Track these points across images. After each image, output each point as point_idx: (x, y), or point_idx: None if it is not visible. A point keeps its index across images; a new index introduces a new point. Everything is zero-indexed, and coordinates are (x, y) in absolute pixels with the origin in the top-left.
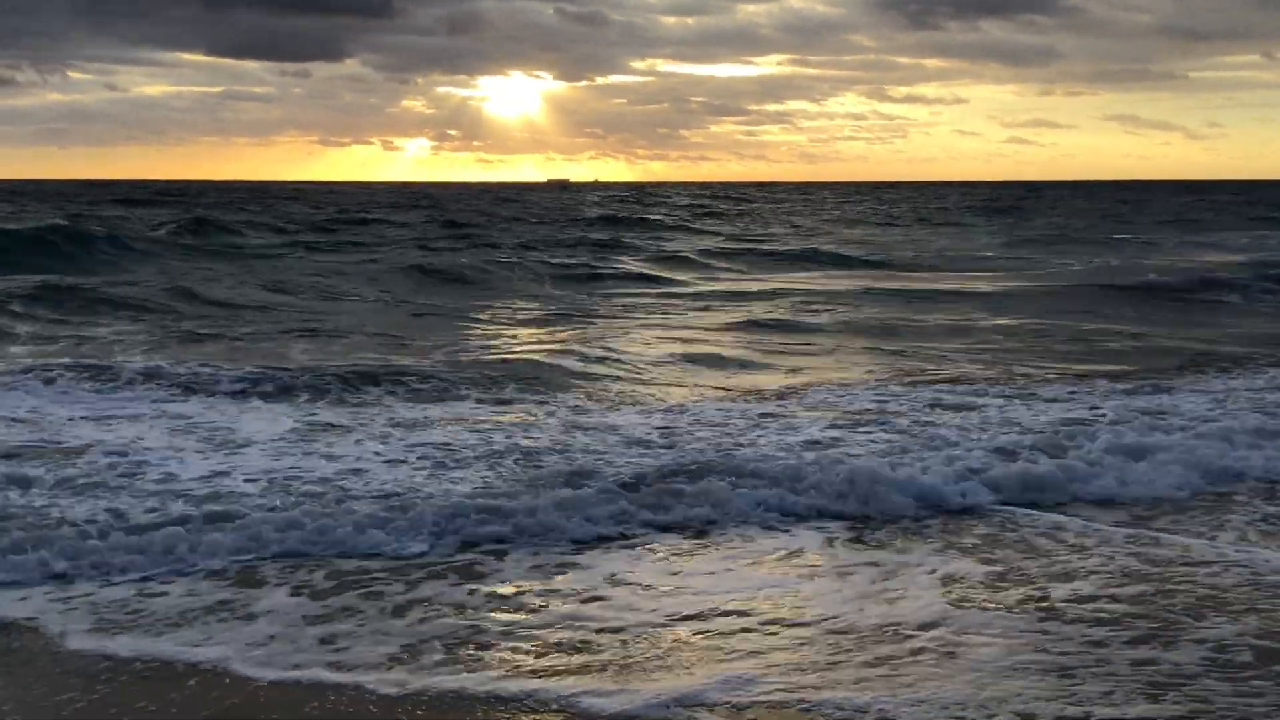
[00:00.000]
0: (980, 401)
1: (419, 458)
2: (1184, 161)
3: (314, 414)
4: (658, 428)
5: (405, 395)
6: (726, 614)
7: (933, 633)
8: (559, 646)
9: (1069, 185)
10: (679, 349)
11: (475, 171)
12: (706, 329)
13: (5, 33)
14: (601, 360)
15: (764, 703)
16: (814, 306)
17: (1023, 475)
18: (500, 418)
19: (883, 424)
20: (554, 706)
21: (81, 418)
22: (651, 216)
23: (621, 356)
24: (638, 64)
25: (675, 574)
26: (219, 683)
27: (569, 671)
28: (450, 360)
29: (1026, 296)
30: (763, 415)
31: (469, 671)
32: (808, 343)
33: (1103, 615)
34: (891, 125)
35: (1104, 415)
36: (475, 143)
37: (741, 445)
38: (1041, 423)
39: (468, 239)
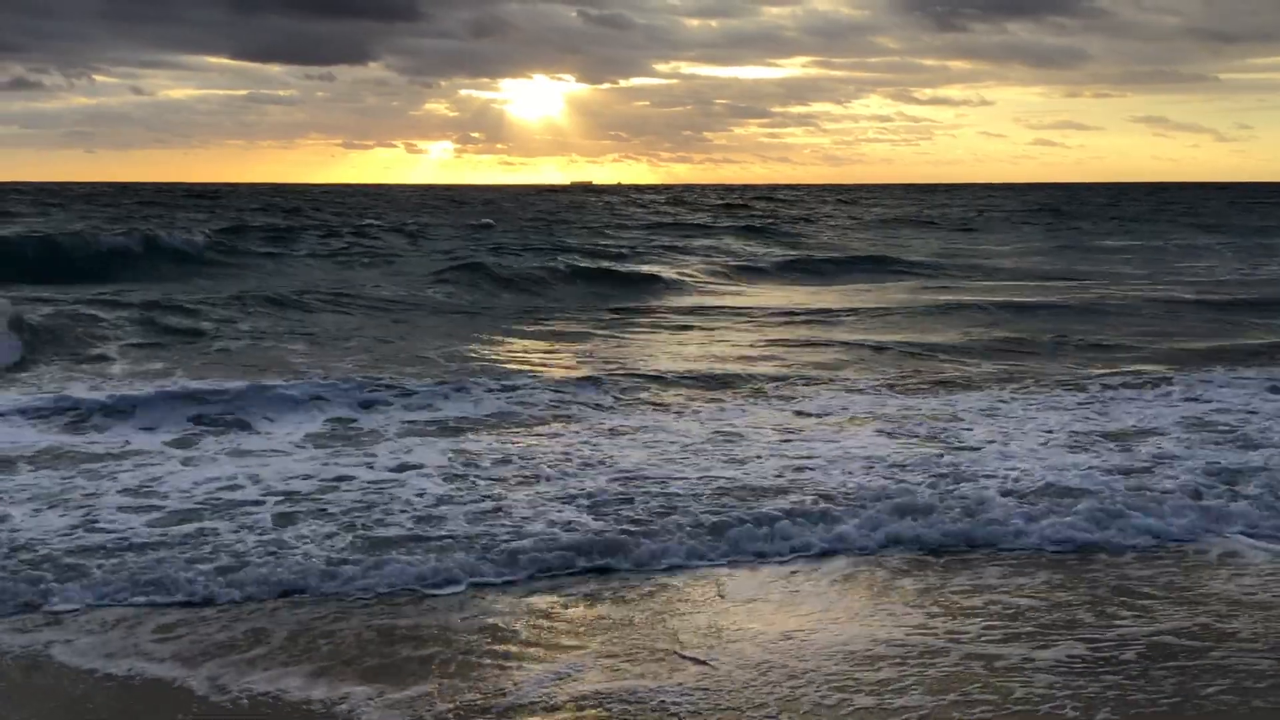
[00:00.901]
0: None
1: None
2: (1213, 164)
3: None
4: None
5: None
6: None
7: None
8: None
9: (1102, 187)
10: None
11: (498, 174)
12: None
13: (32, 36)
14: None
15: None
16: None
17: None
18: None
19: None
20: None
21: None
22: (698, 220)
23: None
24: (661, 66)
25: None
26: None
27: None
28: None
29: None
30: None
31: None
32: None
33: None
34: (917, 127)
35: None
36: (498, 145)
37: None
38: None
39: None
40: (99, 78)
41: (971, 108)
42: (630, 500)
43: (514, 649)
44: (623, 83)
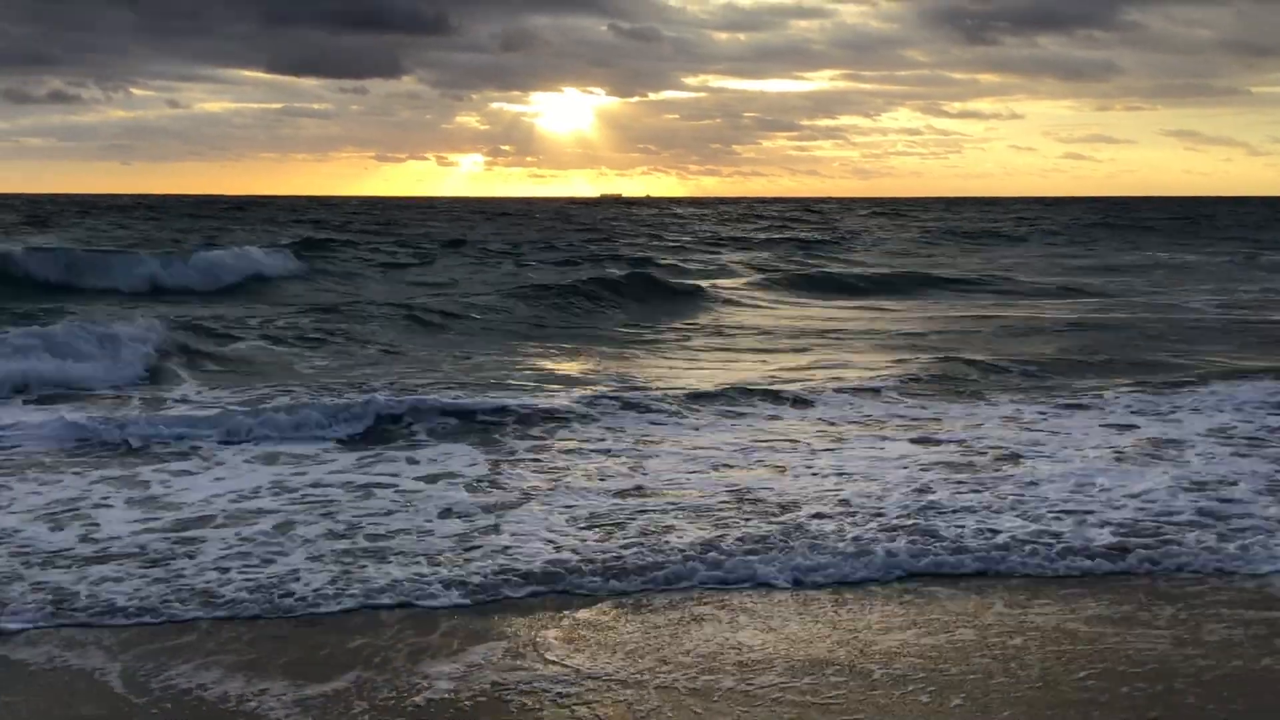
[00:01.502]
0: None
1: None
2: (1246, 178)
3: None
4: None
5: None
6: None
7: None
8: None
9: (1139, 200)
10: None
11: (528, 186)
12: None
13: (70, 51)
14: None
15: None
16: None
17: None
18: None
19: None
20: None
21: None
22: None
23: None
24: (690, 80)
25: None
26: None
27: None
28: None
29: None
30: None
31: None
32: None
33: None
34: (946, 141)
35: None
36: (528, 158)
37: None
38: None
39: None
40: (136, 91)
41: (1001, 121)
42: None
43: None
44: (652, 96)
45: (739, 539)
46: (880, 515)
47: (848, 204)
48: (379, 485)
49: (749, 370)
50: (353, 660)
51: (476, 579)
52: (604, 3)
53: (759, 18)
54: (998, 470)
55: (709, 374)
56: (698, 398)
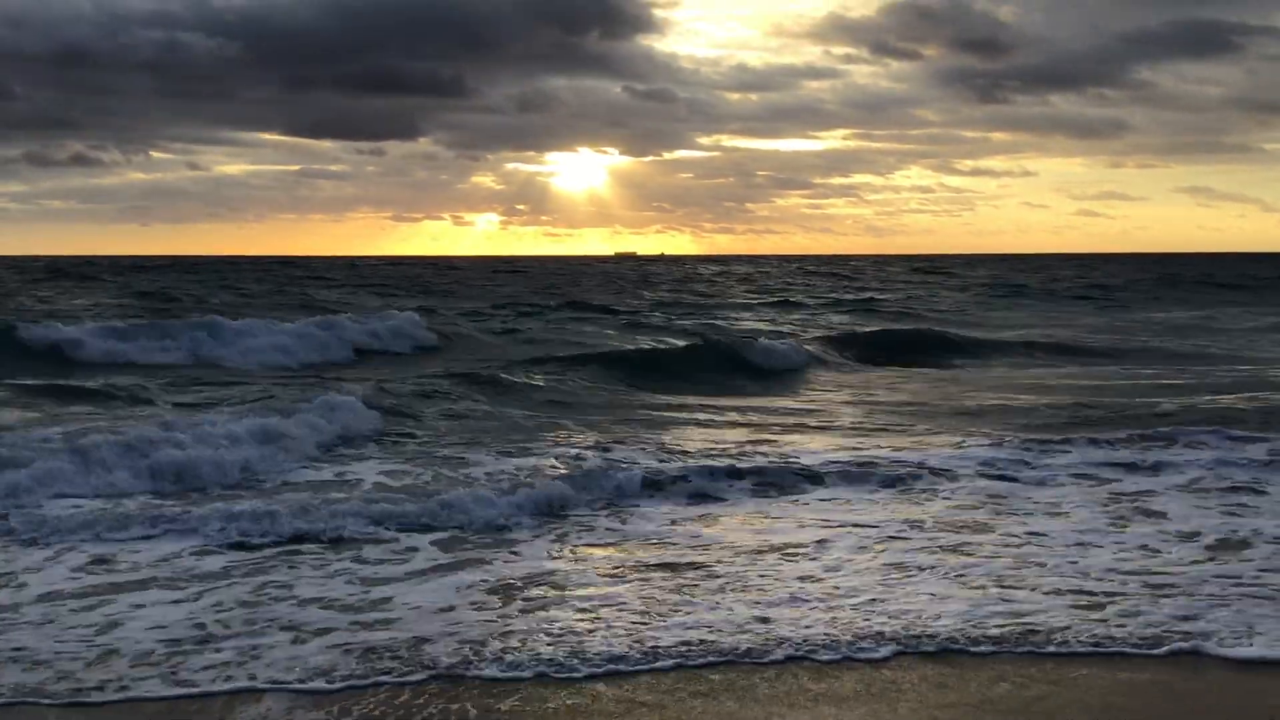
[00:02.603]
0: None
1: None
2: (1260, 234)
3: None
4: None
5: None
6: None
7: None
8: None
9: (1155, 258)
10: None
11: (543, 245)
12: None
13: (91, 114)
14: None
15: None
16: None
17: None
18: None
19: None
20: None
21: None
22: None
23: None
24: (704, 139)
25: None
26: None
27: None
28: None
29: None
30: None
31: None
32: None
33: None
34: (959, 198)
35: None
36: (543, 217)
37: None
38: None
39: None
40: (156, 154)
41: (1014, 178)
42: None
43: None
44: (666, 155)
45: None
46: None
47: (877, 260)
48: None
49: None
50: None
51: None
52: (618, 65)
53: (771, 78)
54: None
55: None
56: None
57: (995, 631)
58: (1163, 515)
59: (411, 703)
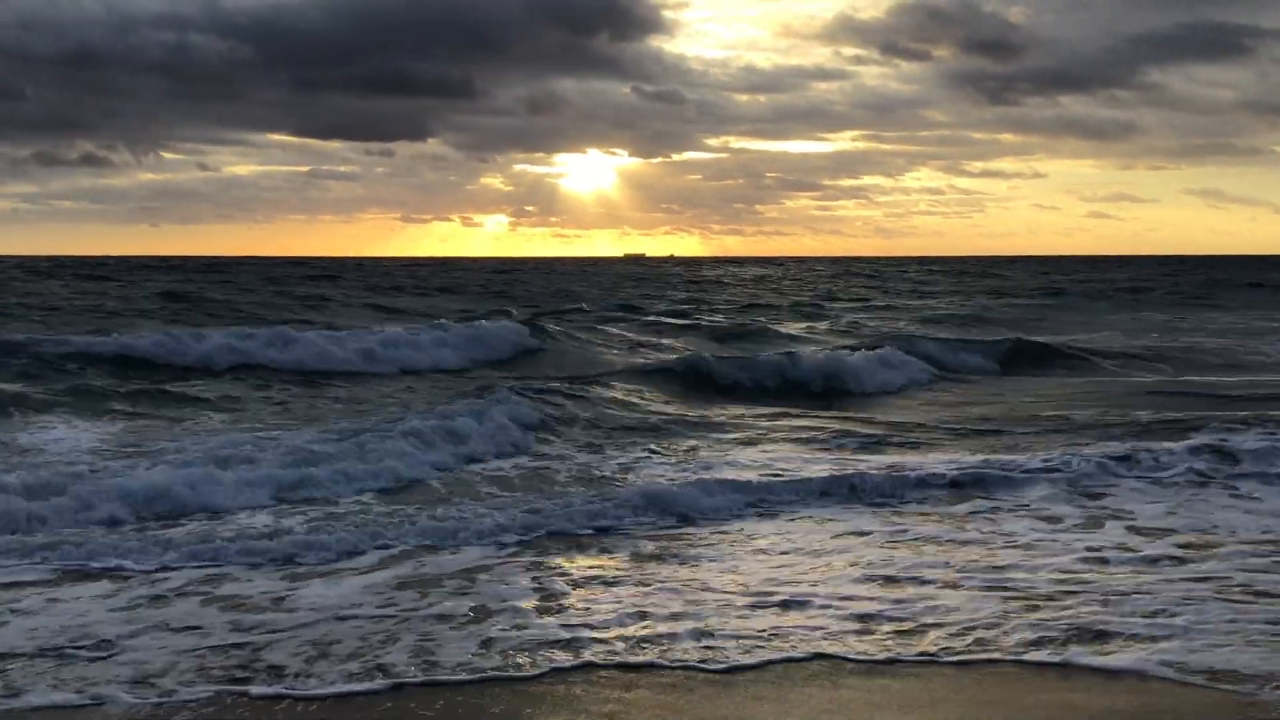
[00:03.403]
0: None
1: None
2: (1271, 237)
3: None
4: None
5: None
6: None
7: None
8: None
9: (1175, 260)
10: None
11: (552, 246)
12: None
13: (102, 115)
14: None
15: None
16: None
17: None
18: None
19: None
20: None
21: None
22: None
23: None
24: (712, 141)
25: None
26: None
27: None
28: None
29: None
30: None
31: None
32: None
33: None
34: (969, 200)
35: None
36: (551, 218)
37: None
38: None
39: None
40: (166, 155)
41: (1024, 180)
42: None
43: None
44: (675, 157)
45: None
46: None
47: (895, 262)
48: None
49: None
50: None
51: None
52: (627, 66)
53: (780, 80)
54: None
55: None
56: None
57: None
58: None
59: None
